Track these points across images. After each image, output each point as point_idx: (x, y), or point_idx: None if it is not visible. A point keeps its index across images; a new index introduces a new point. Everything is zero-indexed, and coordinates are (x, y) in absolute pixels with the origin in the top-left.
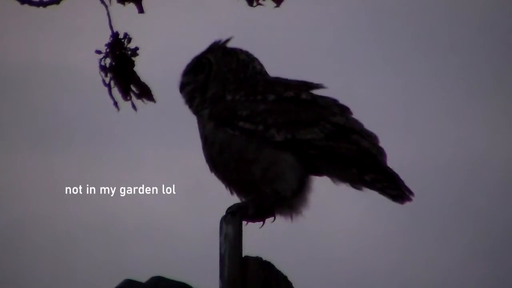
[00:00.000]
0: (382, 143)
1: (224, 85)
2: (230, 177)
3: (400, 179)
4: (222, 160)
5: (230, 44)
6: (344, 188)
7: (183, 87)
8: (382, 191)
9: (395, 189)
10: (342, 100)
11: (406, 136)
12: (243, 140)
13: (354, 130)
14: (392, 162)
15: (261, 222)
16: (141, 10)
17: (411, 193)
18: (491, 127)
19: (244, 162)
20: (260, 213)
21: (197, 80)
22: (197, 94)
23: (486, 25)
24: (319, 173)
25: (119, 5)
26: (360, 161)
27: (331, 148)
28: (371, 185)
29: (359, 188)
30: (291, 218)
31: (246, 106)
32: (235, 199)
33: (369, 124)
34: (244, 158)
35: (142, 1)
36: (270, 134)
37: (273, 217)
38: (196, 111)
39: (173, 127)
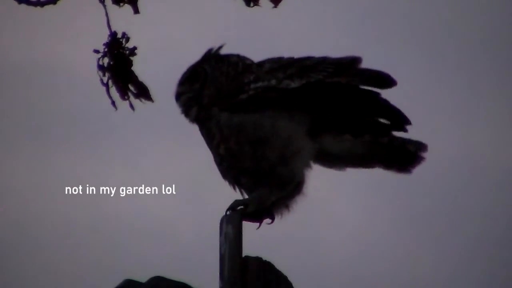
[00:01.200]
0: None
1: (218, 88)
2: (247, 167)
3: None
4: (239, 149)
5: (225, 49)
6: (344, 188)
7: (178, 97)
8: (402, 144)
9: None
10: None
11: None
12: (257, 118)
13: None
14: None
15: (258, 223)
16: (136, 11)
17: (423, 144)
18: (492, 127)
19: (260, 143)
20: (259, 214)
21: (193, 89)
22: (193, 103)
23: (489, 23)
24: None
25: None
26: (375, 82)
27: (347, 82)
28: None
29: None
30: (282, 214)
31: (249, 74)
32: (235, 198)
33: None
34: (261, 138)
35: (138, 2)
36: (285, 84)
37: (271, 220)
38: (195, 118)
39: (173, 127)
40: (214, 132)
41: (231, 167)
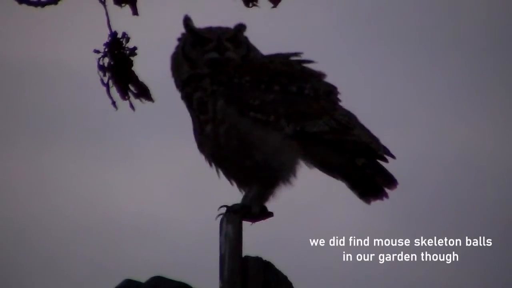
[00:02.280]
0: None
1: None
2: (229, 156)
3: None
4: (227, 138)
5: None
6: (344, 188)
7: (224, 51)
8: (370, 177)
9: (383, 177)
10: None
11: (404, 135)
12: (253, 122)
13: (354, 126)
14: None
15: (258, 221)
16: (135, 12)
17: (394, 182)
18: (491, 126)
19: (249, 145)
20: (261, 213)
21: (237, 52)
22: (230, 63)
23: (490, 22)
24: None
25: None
26: (360, 152)
27: (338, 140)
28: (360, 171)
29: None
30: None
31: (256, 95)
32: (235, 197)
33: (368, 122)
34: (251, 142)
35: (137, 3)
36: (281, 124)
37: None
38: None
39: (174, 127)
40: (208, 108)
41: (211, 147)
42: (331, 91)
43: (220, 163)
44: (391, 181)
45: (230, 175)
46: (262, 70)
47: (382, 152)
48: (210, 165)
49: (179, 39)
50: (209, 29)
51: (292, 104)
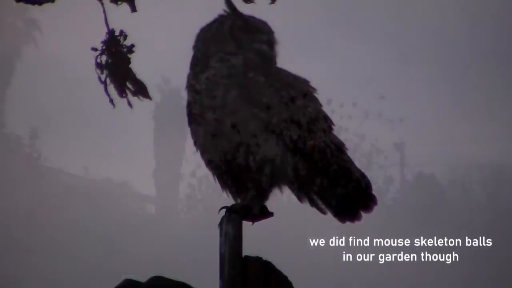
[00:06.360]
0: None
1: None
2: (225, 149)
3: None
4: (230, 129)
5: None
6: None
7: (274, 47)
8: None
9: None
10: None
11: (404, 134)
12: (263, 128)
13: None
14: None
15: (258, 220)
16: (133, 9)
17: (371, 206)
18: (492, 126)
19: (248, 146)
20: (261, 213)
21: (260, 41)
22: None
23: (489, 22)
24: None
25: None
26: (344, 181)
27: (329, 162)
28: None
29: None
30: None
31: (265, 94)
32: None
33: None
34: (253, 143)
35: (135, 0)
36: (280, 129)
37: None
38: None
39: (174, 126)
40: (217, 95)
41: (206, 135)
42: (329, 118)
43: (210, 154)
44: (367, 206)
45: (220, 168)
46: (276, 75)
47: (364, 185)
48: (194, 146)
49: (220, 16)
50: (260, 21)
51: (295, 113)
